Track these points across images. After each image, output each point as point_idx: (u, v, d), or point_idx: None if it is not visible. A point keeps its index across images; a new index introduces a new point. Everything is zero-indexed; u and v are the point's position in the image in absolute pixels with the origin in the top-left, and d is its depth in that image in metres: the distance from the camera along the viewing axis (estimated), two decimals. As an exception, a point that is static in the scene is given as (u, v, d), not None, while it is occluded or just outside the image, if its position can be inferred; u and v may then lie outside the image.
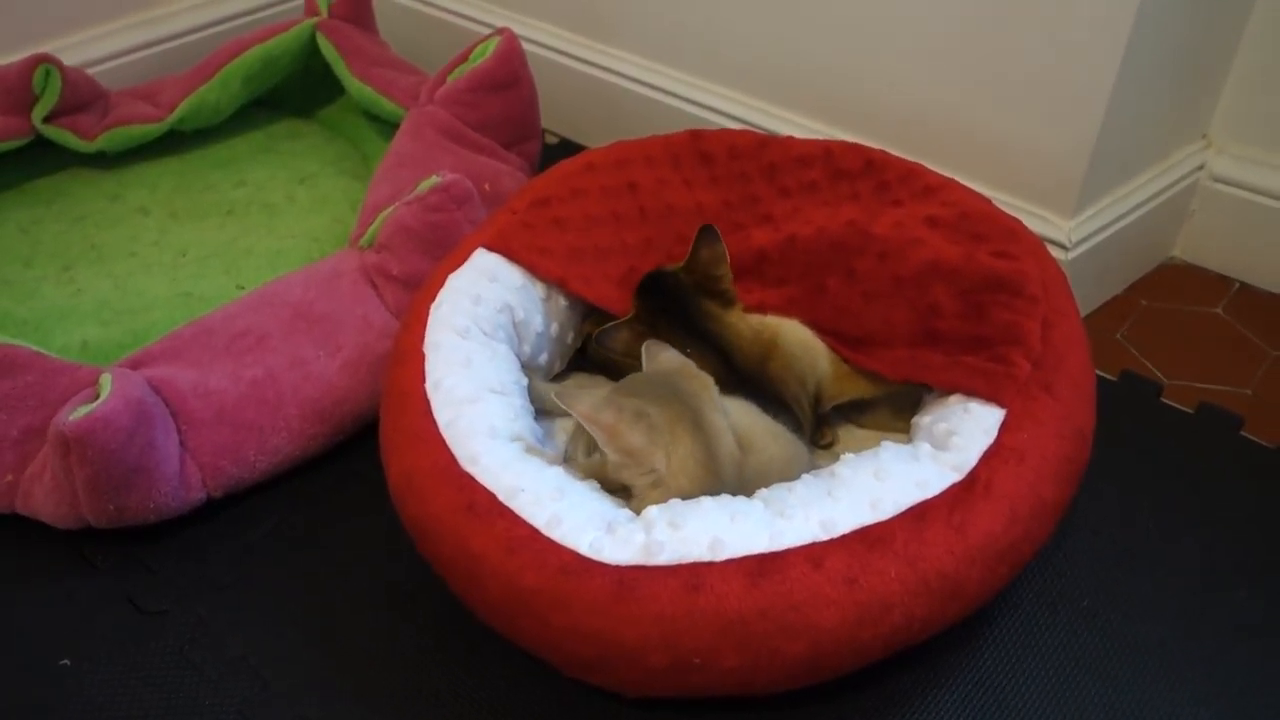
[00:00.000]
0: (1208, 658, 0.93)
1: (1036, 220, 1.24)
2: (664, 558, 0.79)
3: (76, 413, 0.97)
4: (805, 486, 0.86)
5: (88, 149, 1.45)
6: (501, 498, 0.84)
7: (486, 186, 1.30)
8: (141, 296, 1.26)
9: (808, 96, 1.41)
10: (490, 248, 1.08)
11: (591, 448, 0.95)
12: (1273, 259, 1.36)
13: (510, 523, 0.82)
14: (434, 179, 1.19)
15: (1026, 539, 0.86)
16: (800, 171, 1.20)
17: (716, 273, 1.05)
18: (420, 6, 1.77)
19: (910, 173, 1.16)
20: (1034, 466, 0.87)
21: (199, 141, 1.53)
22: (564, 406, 0.86)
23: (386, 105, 1.45)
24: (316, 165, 1.50)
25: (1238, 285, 1.39)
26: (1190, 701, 0.90)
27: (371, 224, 1.21)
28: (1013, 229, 1.08)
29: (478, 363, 0.97)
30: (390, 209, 1.20)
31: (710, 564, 0.78)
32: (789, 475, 0.91)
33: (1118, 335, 1.31)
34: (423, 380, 0.94)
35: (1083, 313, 1.06)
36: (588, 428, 0.85)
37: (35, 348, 1.06)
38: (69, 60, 1.45)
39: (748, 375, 1.03)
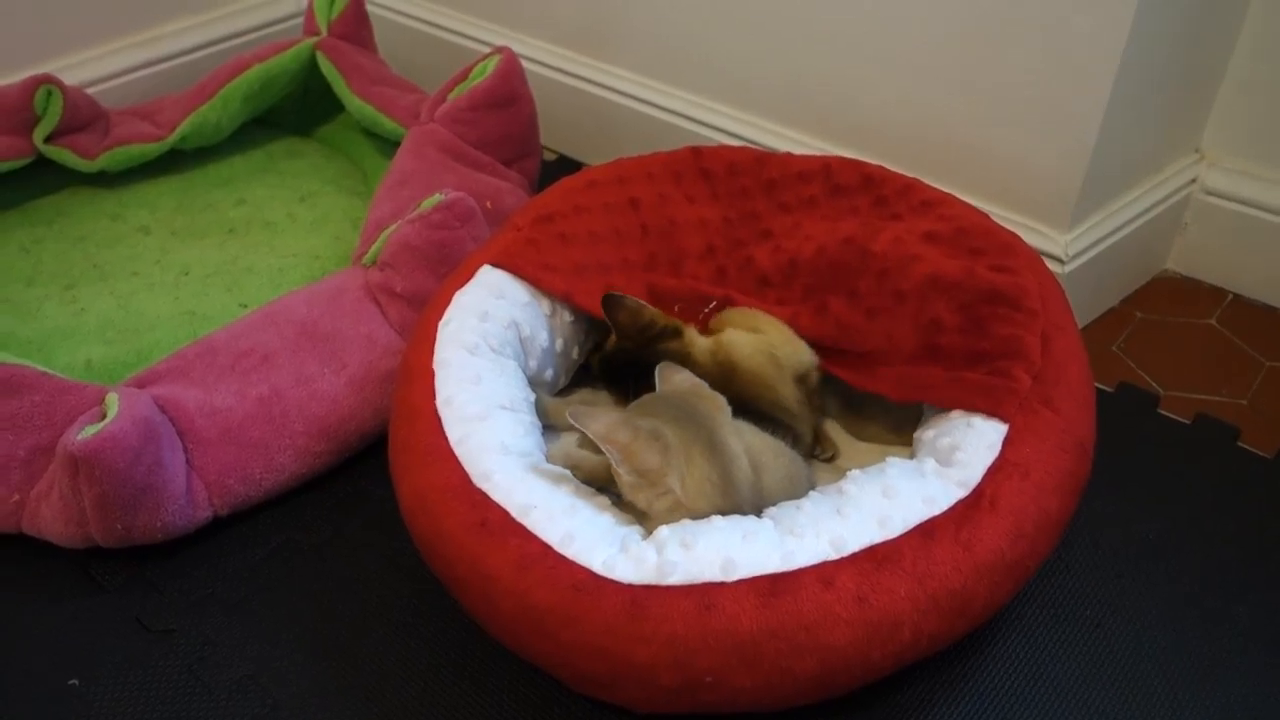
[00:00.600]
0: (1208, 667, 0.94)
1: (1033, 234, 1.25)
2: (676, 578, 0.79)
3: (85, 432, 0.97)
4: (814, 504, 0.86)
5: (89, 168, 1.45)
6: (514, 514, 0.84)
7: (488, 204, 1.30)
8: (144, 315, 1.27)
9: (806, 113, 1.42)
10: (496, 264, 1.09)
11: (585, 442, 0.95)
12: (1265, 271, 1.38)
13: (523, 540, 0.83)
14: (437, 197, 1.19)
15: (1032, 553, 0.87)
16: (799, 187, 1.21)
17: (644, 322, 1.04)
18: (419, 25, 1.78)
19: (908, 188, 1.17)
20: (1037, 481, 0.88)
21: (199, 160, 1.54)
22: (578, 426, 0.85)
23: (387, 123, 1.46)
24: (317, 183, 1.51)
25: (1231, 297, 1.41)
26: (1192, 711, 0.91)
27: (374, 242, 1.22)
28: (1010, 243, 1.09)
29: (487, 379, 0.97)
30: (393, 227, 1.21)
31: (722, 584, 0.79)
32: (793, 491, 0.92)
33: (1114, 347, 1.33)
34: (433, 397, 0.94)
35: (1079, 325, 1.08)
36: (603, 448, 0.85)
37: (41, 367, 1.06)
38: (69, 79, 1.46)
39: (729, 399, 1.02)
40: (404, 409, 0.96)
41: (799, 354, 1.07)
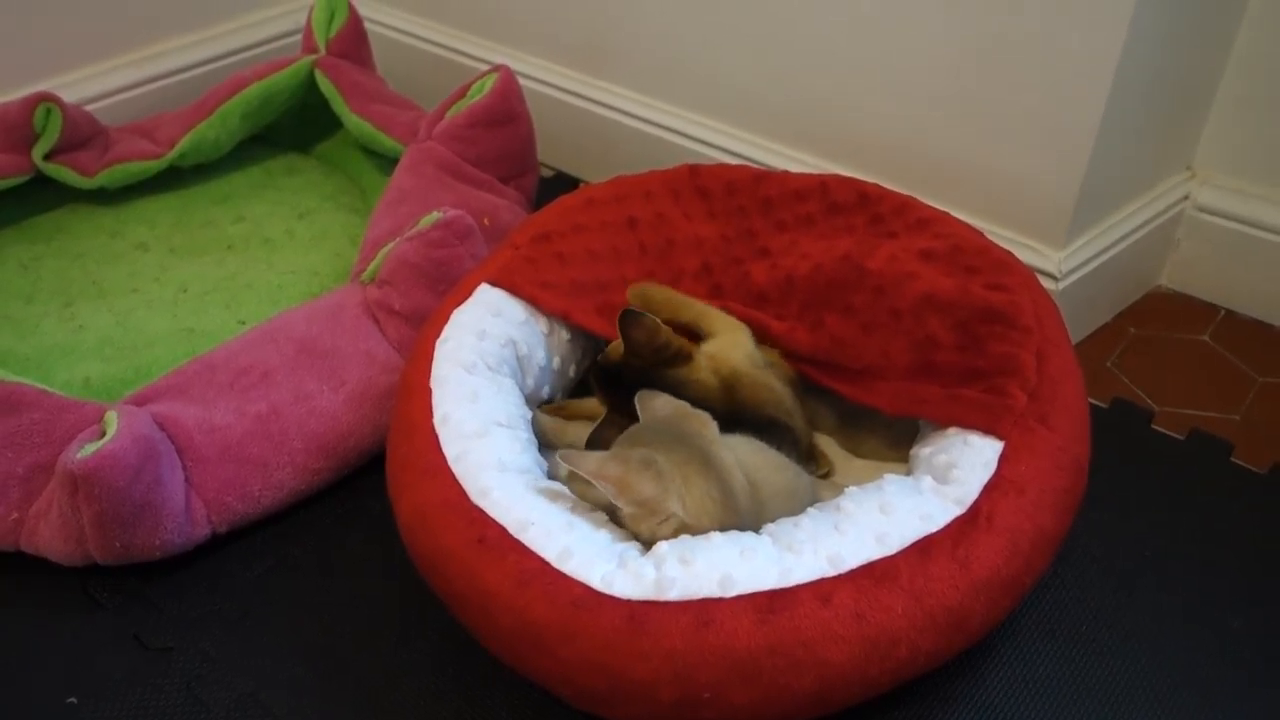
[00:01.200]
0: (1203, 682, 0.95)
1: (1027, 251, 1.26)
2: (675, 593, 0.79)
3: (84, 450, 0.97)
4: (812, 521, 0.87)
5: (88, 185, 1.45)
6: (512, 531, 0.85)
7: (486, 221, 1.31)
8: (143, 332, 1.27)
9: (803, 131, 1.43)
10: (494, 283, 1.10)
11: (576, 479, 0.95)
12: (1257, 286, 1.39)
13: (521, 556, 0.83)
14: (435, 215, 1.20)
15: (1028, 570, 0.87)
16: (796, 205, 1.21)
17: (658, 343, 1.04)
18: (417, 43, 1.79)
19: (904, 206, 1.18)
20: (1034, 498, 0.89)
21: (198, 177, 1.54)
22: (570, 466, 0.86)
23: (385, 141, 1.46)
24: (315, 200, 1.51)
25: (1223, 312, 1.42)
26: (1188, 727, 0.92)
27: (373, 259, 1.22)
28: (1005, 261, 1.09)
29: (484, 397, 0.98)
30: (392, 244, 1.21)
31: (720, 600, 0.79)
32: (794, 506, 0.92)
33: (1108, 363, 1.33)
34: (430, 415, 0.95)
35: (1073, 341, 1.08)
36: (597, 484, 0.85)
37: (40, 385, 1.07)
38: (68, 97, 1.46)
39: (731, 414, 1.02)
40: (402, 426, 0.97)
41: (753, 346, 1.08)
